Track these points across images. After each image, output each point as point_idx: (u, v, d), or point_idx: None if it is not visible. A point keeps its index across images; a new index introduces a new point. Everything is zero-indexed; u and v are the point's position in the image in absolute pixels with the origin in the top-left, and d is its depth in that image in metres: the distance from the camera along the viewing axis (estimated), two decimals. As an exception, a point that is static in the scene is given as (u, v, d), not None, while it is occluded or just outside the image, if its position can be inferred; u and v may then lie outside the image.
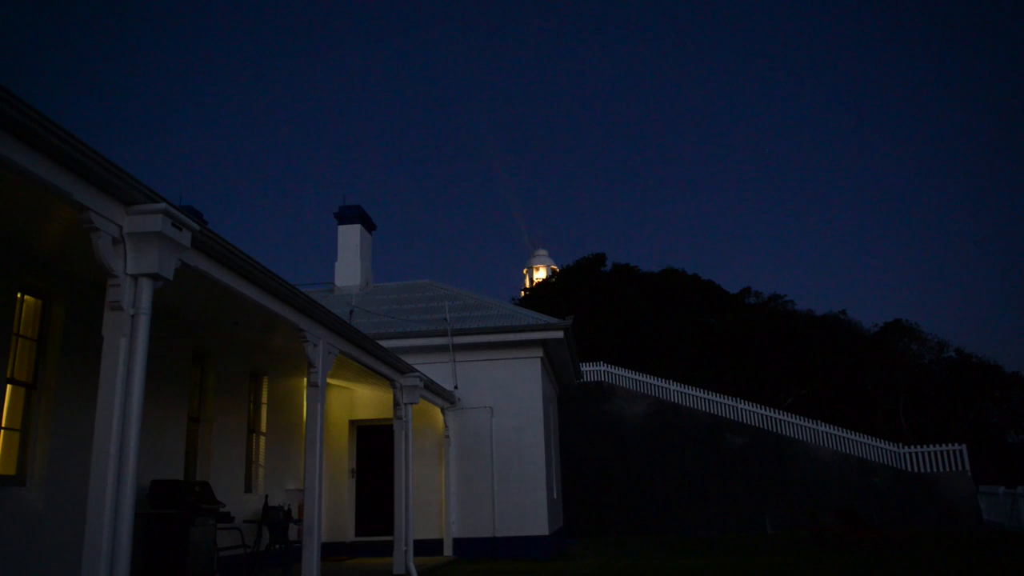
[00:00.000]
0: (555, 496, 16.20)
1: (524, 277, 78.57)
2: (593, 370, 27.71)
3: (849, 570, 11.31)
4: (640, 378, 27.30)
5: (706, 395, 26.23)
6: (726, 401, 25.85)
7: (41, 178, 3.95)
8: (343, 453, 14.80)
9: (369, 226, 19.81)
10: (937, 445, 23.11)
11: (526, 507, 13.88)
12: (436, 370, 14.37)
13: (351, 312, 16.22)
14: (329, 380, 12.51)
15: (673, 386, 26.81)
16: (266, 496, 11.23)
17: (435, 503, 14.12)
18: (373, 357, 9.79)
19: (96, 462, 4.27)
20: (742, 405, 25.64)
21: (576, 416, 25.07)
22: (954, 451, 22.74)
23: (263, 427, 11.97)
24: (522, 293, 59.97)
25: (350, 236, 19.13)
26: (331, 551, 13.67)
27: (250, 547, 10.52)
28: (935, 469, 22.75)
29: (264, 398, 12.07)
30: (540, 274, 75.06)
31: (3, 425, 6.68)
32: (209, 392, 10.31)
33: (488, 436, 14.37)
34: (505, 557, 13.53)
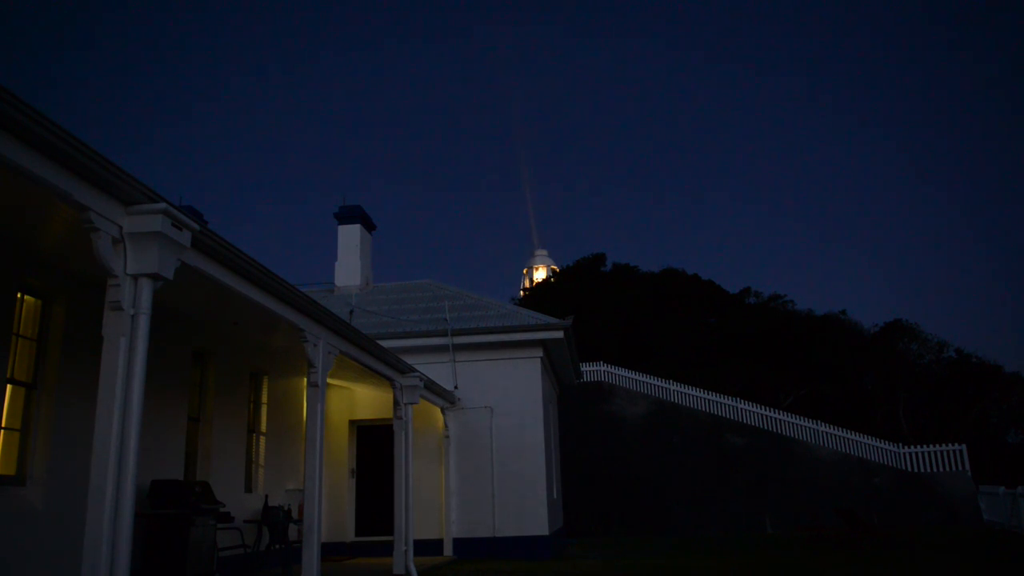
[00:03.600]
0: (555, 496, 16.20)
1: (524, 277, 78.53)
2: (593, 370, 27.71)
3: (849, 570, 11.30)
4: (640, 378, 27.29)
5: (706, 395, 26.22)
6: (726, 401, 25.84)
7: (41, 178, 3.95)
8: (343, 453, 14.80)
9: (369, 226, 19.81)
10: (937, 445, 23.12)
11: (526, 507, 13.88)
12: (436, 370, 14.37)
13: (351, 312, 16.22)
14: (329, 380, 12.52)
15: (673, 386, 26.80)
16: (266, 496, 11.23)
17: (435, 503, 14.12)
18: (373, 357, 9.78)
19: (96, 462, 4.26)
20: (742, 405, 25.64)
21: (576, 416, 25.06)
22: (954, 451, 22.74)
23: (263, 427, 11.97)
24: (522, 293, 59.96)
25: (350, 236, 19.13)
26: (331, 551, 13.66)
27: (250, 547, 10.53)
28: (935, 469, 22.76)
29: (264, 398, 12.07)
30: (540, 274, 75.02)
31: (3, 425, 6.69)
32: (209, 392, 10.31)
33: (488, 436, 14.37)
34: (505, 557, 13.53)
